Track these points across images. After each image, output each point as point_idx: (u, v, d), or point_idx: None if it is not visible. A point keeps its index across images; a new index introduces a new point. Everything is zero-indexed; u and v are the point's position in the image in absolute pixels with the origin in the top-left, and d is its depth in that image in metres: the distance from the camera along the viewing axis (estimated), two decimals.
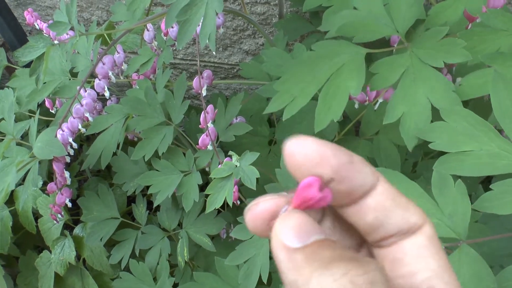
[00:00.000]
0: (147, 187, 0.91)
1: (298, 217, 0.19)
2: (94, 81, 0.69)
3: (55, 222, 0.96)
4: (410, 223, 0.21)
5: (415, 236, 0.21)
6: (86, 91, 0.66)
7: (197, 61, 1.16)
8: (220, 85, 1.22)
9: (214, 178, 0.54)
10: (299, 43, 0.73)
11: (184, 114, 1.20)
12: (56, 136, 0.66)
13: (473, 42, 0.57)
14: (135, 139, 0.89)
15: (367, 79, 0.53)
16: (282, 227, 0.19)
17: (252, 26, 1.03)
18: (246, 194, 0.72)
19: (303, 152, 0.19)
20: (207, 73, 0.63)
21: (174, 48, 1.14)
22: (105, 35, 0.84)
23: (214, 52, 0.52)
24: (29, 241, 1.13)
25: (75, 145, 0.68)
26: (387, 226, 0.21)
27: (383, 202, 0.21)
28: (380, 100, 0.64)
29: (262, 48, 1.09)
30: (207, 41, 0.48)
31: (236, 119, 0.71)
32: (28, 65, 0.93)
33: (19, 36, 1.11)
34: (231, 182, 0.53)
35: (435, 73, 0.51)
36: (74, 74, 0.83)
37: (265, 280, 0.52)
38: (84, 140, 1.17)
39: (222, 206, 0.92)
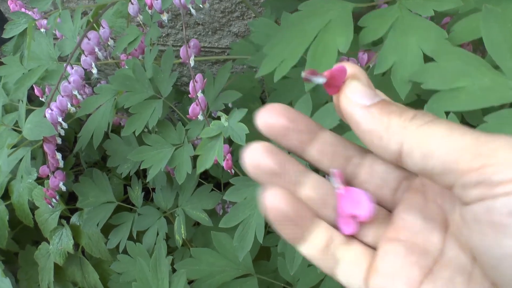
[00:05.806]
0: (143, 170, 0.90)
1: (361, 85, 0.23)
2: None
3: (51, 212, 0.95)
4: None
5: None
6: (73, 68, 0.65)
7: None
8: (212, 70, 1.21)
9: (204, 138, 0.53)
10: (286, 12, 0.72)
11: (177, 100, 1.19)
12: (44, 116, 0.65)
13: None
14: None
15: (355, 36, 0.52)
16: (353, 92, 0.23)
17: (241, 7, 1.02)
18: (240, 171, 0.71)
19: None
20: (193, 42, 0.62)
21: (164, 35, 1.13)
22: (90, 19, 0.83)
23: (201, 5, 0.51)
24: (27, 236, 1.12)
25: (65, 125, 0.67)
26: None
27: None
28: (372, 65, 0.63)
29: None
30: None
31: None
32: None
33: None
34: (220, 141, 0.52)
35: (426, 22, 0.50)
36: (62, 60, 0.82)
37: (260, 240, 0.50)
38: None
39: (218, 188, 0.92)
